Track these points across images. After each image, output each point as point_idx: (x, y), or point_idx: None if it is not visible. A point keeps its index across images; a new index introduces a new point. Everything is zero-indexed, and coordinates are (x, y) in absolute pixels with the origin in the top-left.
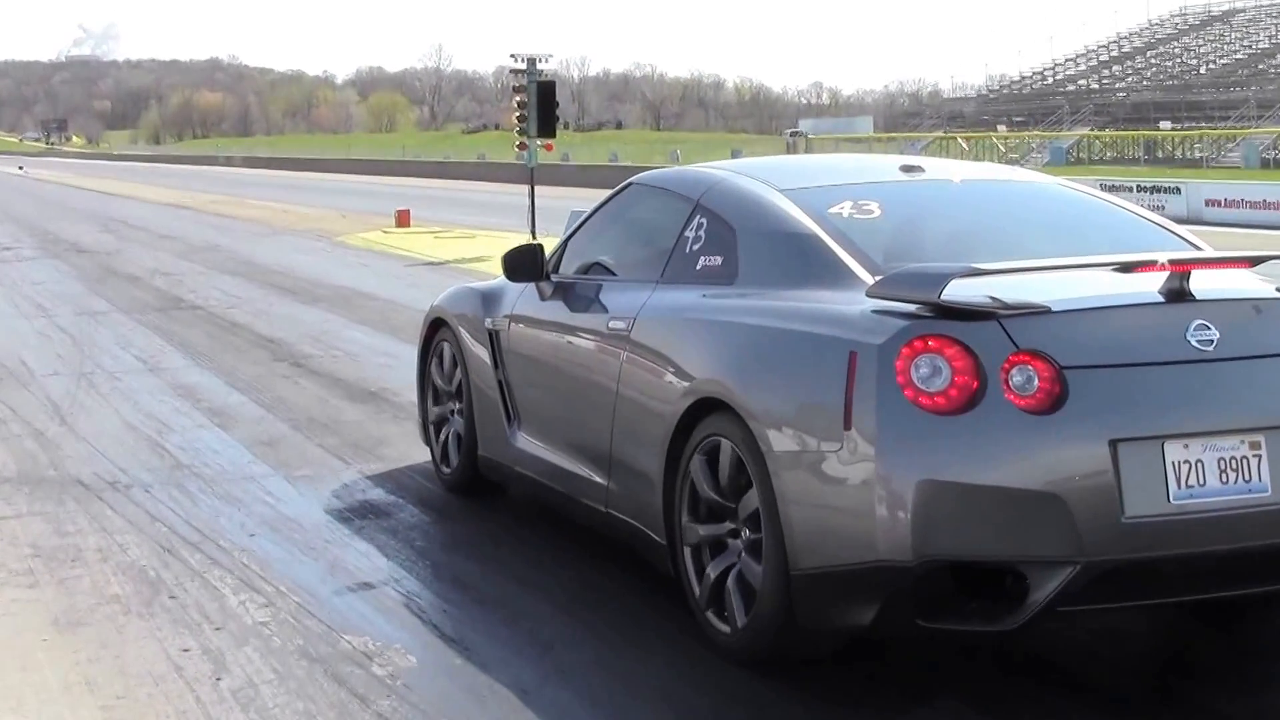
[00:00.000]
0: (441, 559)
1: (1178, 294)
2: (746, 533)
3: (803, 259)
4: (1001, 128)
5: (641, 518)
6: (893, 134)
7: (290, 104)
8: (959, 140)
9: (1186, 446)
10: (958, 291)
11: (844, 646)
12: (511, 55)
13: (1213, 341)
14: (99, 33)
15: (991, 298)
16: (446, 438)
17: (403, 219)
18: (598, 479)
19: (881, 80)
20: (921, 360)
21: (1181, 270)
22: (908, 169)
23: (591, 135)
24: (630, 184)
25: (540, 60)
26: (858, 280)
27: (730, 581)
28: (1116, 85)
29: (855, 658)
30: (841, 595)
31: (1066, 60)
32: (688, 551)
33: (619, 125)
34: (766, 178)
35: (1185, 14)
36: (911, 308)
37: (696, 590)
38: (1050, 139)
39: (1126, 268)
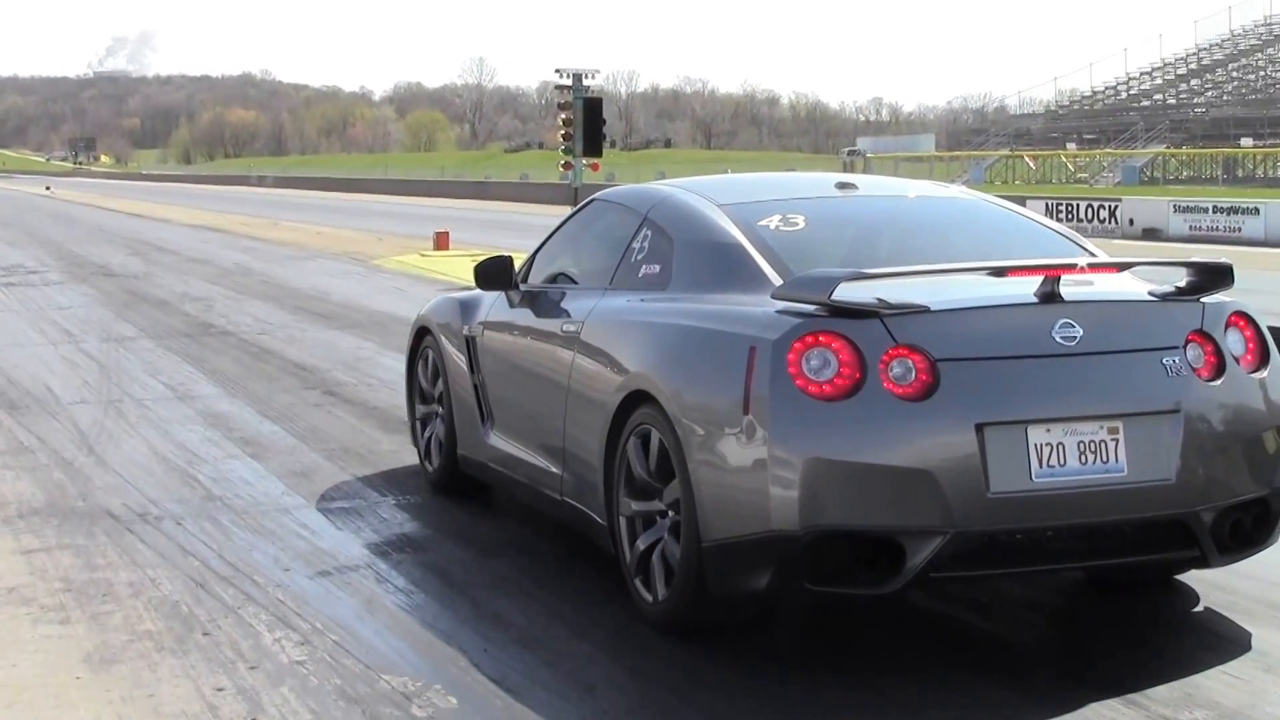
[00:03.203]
0: (482, 596)
1: (1049, 295)
2: (671, 514)
3: (726, 266)
4: (1071, 145)
5: (588, 501)
6: (955, 152)
7: (325, 122)
8: (1026, 159)
9: (1049, 431)
10: (849, 293)
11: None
12: (556, 71)
13: (1076, 338)
14: (134, 40)
15: (878, 299)
16: (430, 438)
17: (441, 242)
18: (554, 469)
19: (944, 96)
20: (811, 353)
21: (1051, 274)
22: (841, 186)
23: (639, 154)
24: (593, 200)
25: (586, 76)
26: (771, 285)
27: (655, 557)
28: (1195, 100)
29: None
30: (742, 563)
31: (1141, 74)
32: (623, 522)
33: (668, 143)
34: (709, 194)
35: (1270, 24)
36: (809, 308)
37: (628, 557)
38: (1123, 157)
39: (1001, 272)
